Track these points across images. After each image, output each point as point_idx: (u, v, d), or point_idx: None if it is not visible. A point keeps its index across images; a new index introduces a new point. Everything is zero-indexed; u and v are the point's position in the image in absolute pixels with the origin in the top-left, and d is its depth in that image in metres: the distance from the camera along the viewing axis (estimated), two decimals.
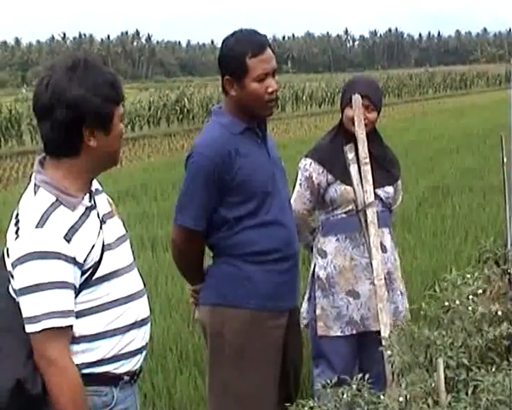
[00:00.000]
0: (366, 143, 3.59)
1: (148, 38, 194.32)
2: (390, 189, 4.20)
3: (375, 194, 3.96)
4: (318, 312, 4.14)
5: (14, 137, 28.02)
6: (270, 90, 3.40)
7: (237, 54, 3.36)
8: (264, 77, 3.37)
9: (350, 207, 4.02)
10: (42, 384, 2.42)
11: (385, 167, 4.15)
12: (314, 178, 4.13)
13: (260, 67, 3.36)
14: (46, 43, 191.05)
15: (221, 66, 3.46)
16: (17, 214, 2.50)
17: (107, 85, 2.48)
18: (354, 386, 2.53)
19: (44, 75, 2.49)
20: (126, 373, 2.62)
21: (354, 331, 4.11)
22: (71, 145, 2.49)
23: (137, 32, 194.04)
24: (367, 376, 2.56)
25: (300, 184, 4.17)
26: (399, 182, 4.34)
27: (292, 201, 4.02)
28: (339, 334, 4.11)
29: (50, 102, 2.44)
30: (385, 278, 3.91)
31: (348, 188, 3.98)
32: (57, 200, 2.47)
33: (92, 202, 2.60)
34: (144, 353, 2.71)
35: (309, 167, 4.15)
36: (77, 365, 2.49)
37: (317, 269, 4.18)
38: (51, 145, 2.51)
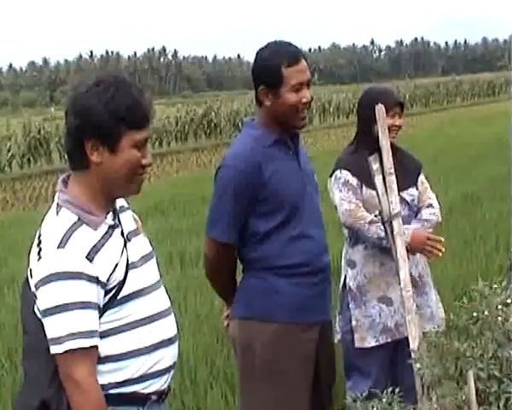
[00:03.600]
0: (391, 153, 3.57)
1: (175, 53, 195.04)
2: (414, 190, 4.21)
3: (401, 198, 3.93)
4: (354, 323, 4.11)
5: (43, 156, 28.26)
6: (304, 100, 3.41)
7: (273, 64, 3.37)
8: (299, 87, 3.39)
9: (376, 213, 3.99)
10: (67, 405, 2.41)
11: (406, 168, 4.14)
12: (350, 180, 4.14)
13: (296, 77, 3.37)
14: (74, 61, 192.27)
15: (256, 76, 3.46)
16: (39, 235, 2.50)
17: (124, 107, 2.44)
18: (384, 400, 2.50)
19: None
20: (154, 393, 2.60)
21: (389, 339, 4.08)
22: (77, 156, 2.49)
23: (164, 49, 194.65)
24: (397, 389, 2.53)
25: (340, 190, 4.16)
26: (422, 177, 4.32)
27: (340, 213, 4.06)
28: (373, 344, 4.07)
29: (67, 109, 2.50)
30: (416, 282, 3.87)
31: (374, 192, 3.96)
32: (79, 219, 2.47)
33: (116, 220, 2.59)
34: (172, 372, 2.69)
35: (341, 174, 4.17)
36: (104, 385, 2.47)
37: (347, 280, 4.17)
38: (67, 155, 2.56)
